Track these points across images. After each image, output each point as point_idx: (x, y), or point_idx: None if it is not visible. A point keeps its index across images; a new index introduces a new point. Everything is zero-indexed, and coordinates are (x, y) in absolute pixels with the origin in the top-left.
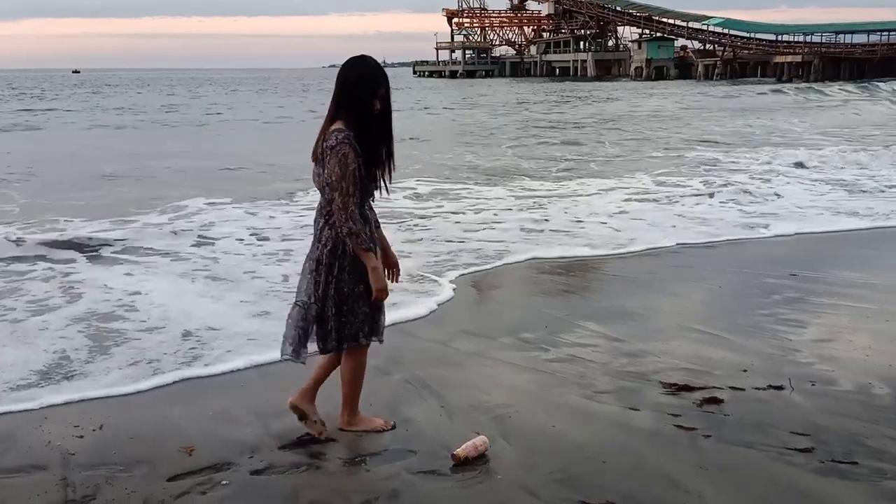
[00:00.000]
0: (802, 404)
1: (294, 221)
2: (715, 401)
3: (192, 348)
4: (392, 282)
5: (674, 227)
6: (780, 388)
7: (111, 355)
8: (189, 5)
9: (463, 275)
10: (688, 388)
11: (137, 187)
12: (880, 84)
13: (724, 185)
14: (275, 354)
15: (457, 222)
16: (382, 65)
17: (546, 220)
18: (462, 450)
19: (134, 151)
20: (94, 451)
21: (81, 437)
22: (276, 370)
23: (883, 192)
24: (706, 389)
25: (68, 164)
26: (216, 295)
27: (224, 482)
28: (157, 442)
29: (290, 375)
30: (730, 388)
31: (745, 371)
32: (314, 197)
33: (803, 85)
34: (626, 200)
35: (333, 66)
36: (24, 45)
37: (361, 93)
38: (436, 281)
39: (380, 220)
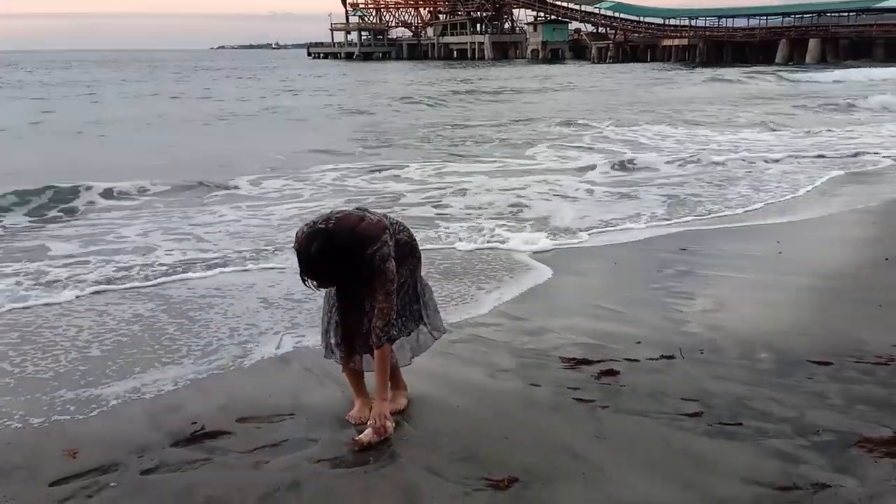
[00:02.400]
0: (692, 372)
1: None
2: (611, 373)
3: None
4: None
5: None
6: (671, 357)
7: None
8: None
9: None
10: (586, 362)
11: None
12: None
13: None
14: None
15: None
16: (275, 47)
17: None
18: (364, 435)
19: None
20: None
21: None
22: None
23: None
24: (603, 362)
25: None
26: None
27: (112, 484)
28: (36, 446)
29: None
30: (625, 359)
31: (639, 343)
32: None
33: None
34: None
35: (222, 47)
36: None
37: None
38: None
39: None
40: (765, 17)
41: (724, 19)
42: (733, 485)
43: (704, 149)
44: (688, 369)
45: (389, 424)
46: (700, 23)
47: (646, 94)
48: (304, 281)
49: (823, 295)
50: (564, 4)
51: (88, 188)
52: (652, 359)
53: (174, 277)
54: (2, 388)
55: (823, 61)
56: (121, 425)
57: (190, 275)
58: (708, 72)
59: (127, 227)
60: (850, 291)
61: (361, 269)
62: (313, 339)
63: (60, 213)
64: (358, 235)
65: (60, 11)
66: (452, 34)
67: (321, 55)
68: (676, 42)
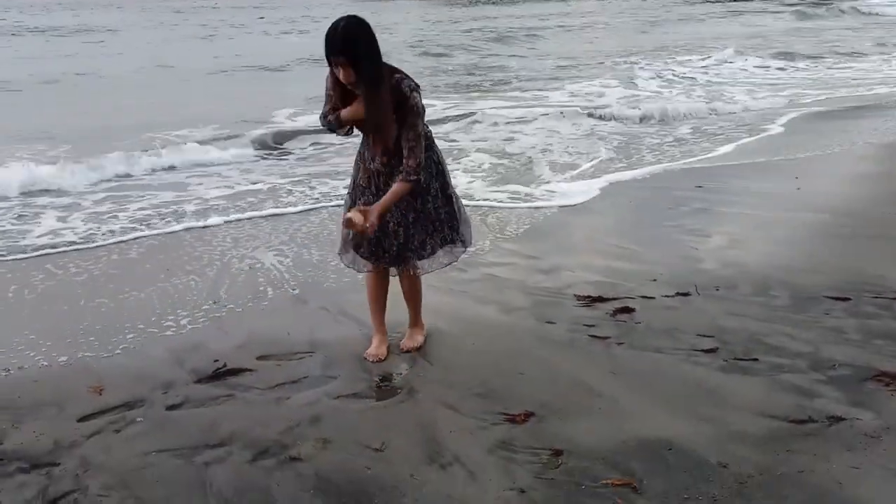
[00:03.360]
0: (707, 309)
1: None
2: (627, 310)
3: None
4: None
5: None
6: (686, 294)
7: None
8: None
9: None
10: (601, 300)
11: None
12: None
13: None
14: None
15: None
16: None
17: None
18: (352, 214)
19: None
20: None
21: None
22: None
23: None
24: (618, 300)
25: None
26: None
27: (139, 419)
28: (63, 383)
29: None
30: (640, 297)
31: (654, 280)
32: None
33: None
34: None
35: None
36: None
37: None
38: None
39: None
40: None
41: None
42: (748, 418)
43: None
44: (703, 306)
45: (368, 224)
46: None
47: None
48: (329, 64)
49: (842, 232)
50: None
51: None
52: (667, 296)
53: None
54: (32, 324)
55: None
56: (145, 363)
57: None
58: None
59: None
60: (869, 227)
61: (385, 81)
62: (327, 275)
63: None
64: (387, 66)
65: None
66: None
67: None
68: None
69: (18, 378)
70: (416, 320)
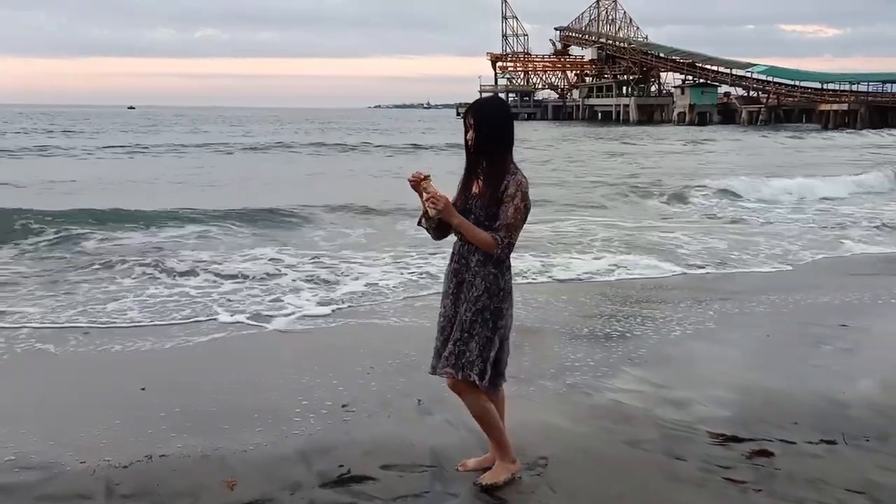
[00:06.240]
0: (856, 460)
1: None
2: (765, 453)
3: None
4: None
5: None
6: (832, 442)
7: None
8: (238, 47)
9: None
10: (736, 440)
11: None
12: None
13: None
14: None
15: None
16: (426, 107)
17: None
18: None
19: None
20: (138, 483)
21: (126, 466)
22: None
23: None
24: (755, 441)
25: None
26: None
27: None
28: (199, 474)
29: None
30: (780, 440)
31: (795, 423)
32: None
33: None
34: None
35: (378, 106)
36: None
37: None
38: None
39: None
40: None
41: (888, 84)
42: None
43: None
44: (851, 456)
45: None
46: (861, 88)
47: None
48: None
49: None
50: (714, 68)
51: None
52: (810, 442)
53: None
54: (173, 410)
55: None
56: (275, 461)
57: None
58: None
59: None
60: None
61: (500, 166)
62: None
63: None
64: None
65: (233, 72)
66: (598, 96)
67: None
68: (835, 107)
69: (159, 465)
70: (503, 453)
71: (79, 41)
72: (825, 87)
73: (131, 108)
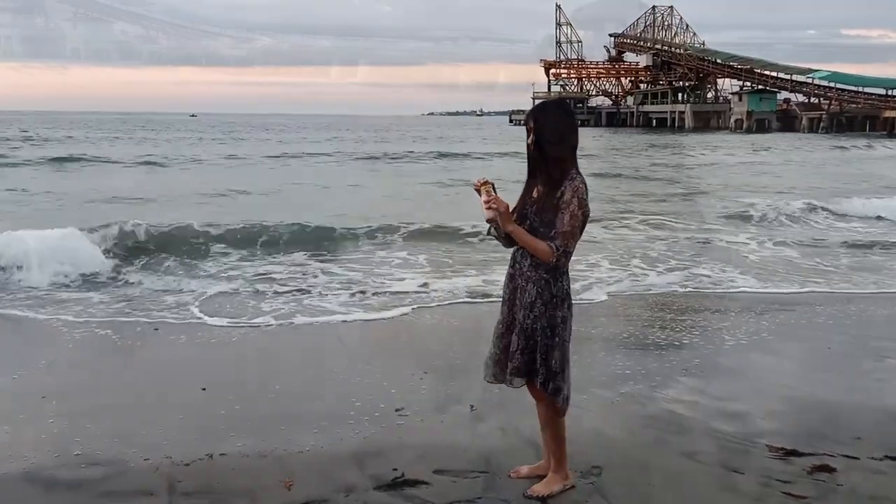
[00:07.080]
0: None
1: None
2: (827, 469)
3: None
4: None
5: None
6: None
7: None
8: (292, 56)
9: None
10: (796, 454)
11: None
12: None
13: None
14: None
15: None
16: (479, 114)
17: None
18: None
19: None
20: (199, 481)
21: (187, 464)
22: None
23: None
24: (816, 456)
25: None
26: None
27: None
28: (258, 474)
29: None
30: (842, 455)
31: (858, 438)
32: None
33: None
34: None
35: (431, 113)
36: (142, 90)
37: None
38: None
39: None
40: None
41: None
42: None
43: None
44: None
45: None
46: None
47: None
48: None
49: None
50: (773, 74)
51: None
52: (874, 458)
53: None
54: (234, 410)
55: None
56: (330, 462)
57: None
58: None
59: None
60: None
61: (558, 170)
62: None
63: None
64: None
65: (290, 80)
66: (653, 103)
67: (521, 122)
68: None
69: (219, 464)
70: (558, 464)
71: (147, 50)
72: (890, 92)
73: (193, 115)
